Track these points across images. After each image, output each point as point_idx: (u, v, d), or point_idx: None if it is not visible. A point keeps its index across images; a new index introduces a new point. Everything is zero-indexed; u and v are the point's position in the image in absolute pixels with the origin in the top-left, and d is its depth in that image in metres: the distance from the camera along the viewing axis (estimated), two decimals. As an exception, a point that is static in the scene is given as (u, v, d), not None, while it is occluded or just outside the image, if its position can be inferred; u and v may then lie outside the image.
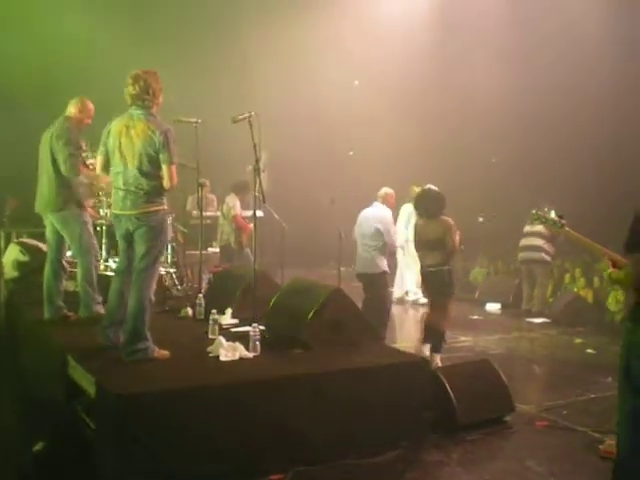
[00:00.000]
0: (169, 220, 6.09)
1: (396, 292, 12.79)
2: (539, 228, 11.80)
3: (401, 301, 12.88)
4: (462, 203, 13.24)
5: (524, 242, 12.44)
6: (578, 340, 10.15)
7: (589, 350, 9.48)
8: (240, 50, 13.82)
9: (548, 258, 12.25)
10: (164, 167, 5.46)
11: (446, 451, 5.57)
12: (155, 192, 5.55)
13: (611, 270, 4.68)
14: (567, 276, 13.28)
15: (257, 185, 6.45)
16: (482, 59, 14.59)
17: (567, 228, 5.02)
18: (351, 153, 13.54)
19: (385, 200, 8.87)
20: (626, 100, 12.24)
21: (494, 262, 15.70)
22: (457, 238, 7.81)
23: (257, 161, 6.26)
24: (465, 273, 15.74)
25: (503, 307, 13.00)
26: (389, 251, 8.76)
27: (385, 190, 8.97)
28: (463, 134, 14.99)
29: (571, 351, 9.59)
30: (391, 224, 8.72)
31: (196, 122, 7.62)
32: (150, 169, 5.49)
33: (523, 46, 14.09)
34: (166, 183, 5.51)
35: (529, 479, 5.13)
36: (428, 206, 7.97)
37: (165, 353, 5.60)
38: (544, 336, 10.62)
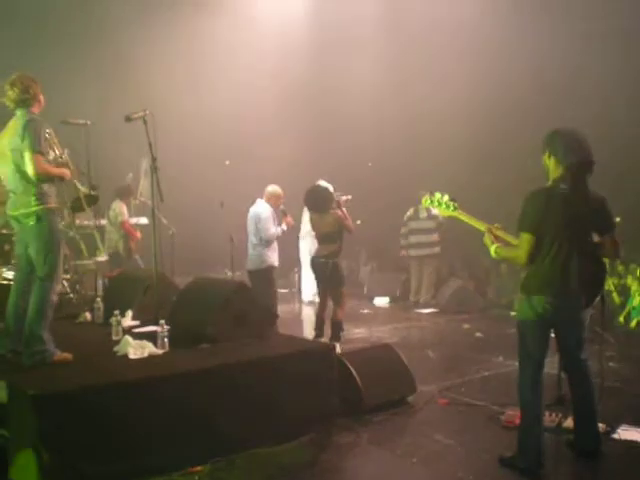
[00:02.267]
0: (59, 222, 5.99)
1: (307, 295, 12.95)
2: (428, 224, 12.27)
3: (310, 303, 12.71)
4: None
5: (416, 239, 12.83)
6: (466, 326, 10.57)
7: (477, 334, 9.90)
8: (126, 51, 13.64)
9: (439, 251, 12.72)
10: (26, 155, 5.30)
11: (356, 432, 5.74)
12: (35, 190, 5.42)
13: (496, 246, 5.00)
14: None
15: (154, 183, 6.43)
16: (358, 60, 14.88)
17: (459, 210, 5.30)
18: (227, 162, 13.55)
19: (268, 198, 8.94)
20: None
21: (377, 259, 16.07)
22: (348, 223, 8.06)
23: (154, 159, 6.26)
24: (351, 271, 16.07)
25: (391, 301, 13.37)
26: (269, 245, 8.81)
27: (270, 188, 9.03)
28: (342, 134, 15.22)
29: (461, 336, 9.98)
30: (266, 219, 8.74)
31: (85, 124, 7.52)
32: (21, 165, 5.38)
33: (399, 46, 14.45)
34: (30, 171, 5.32)
35: (440, 450, 5.36)
36: (318, 201, 8.13)
37: (67, 356, 5.47)
38: (434, 324, 11.01)
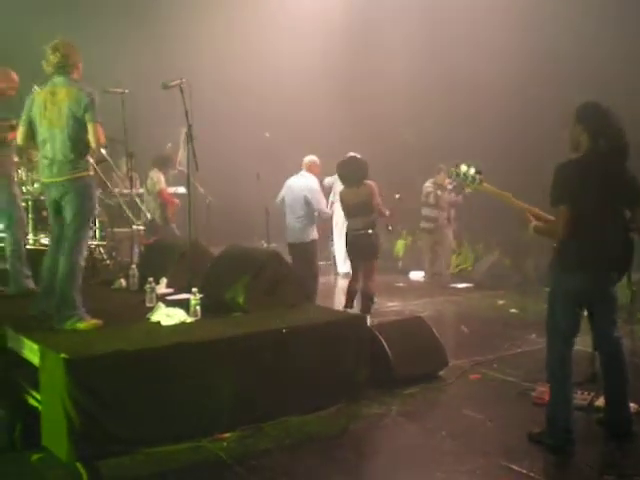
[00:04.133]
0: (97, 190, 6.06)
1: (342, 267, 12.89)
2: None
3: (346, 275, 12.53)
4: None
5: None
6: (501, 301, 10.49)
7: (512, 310, 9.83)
8: (164, 19, 13.65)
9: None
10: (90, 126, 5.44)
11: (386, 404, 5.74)
12: (81, 158, 5.56)
13: (535, 223, 4.93)
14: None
15: (190, 152, 6.44)
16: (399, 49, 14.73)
17: (485, 184, 5.21)
18: (267, 134, 13.50)
19: (310, 169, 8.86)
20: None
21: (413, 233, 16.01)
22: (380, 202, 7.98)
23: (189, 127, 6.27)
24: (388, 245, 16.03)
25: (426, 275, 13.29)
26: (322, 218, 8.80)
27: (309, 158, 8.95)
28: (374, 108, 15.11)
29: (495, 311, 9.92)
30: (318, 192, 8.74)
31: (123, 92, 7.55)
32: (77, 133, 5.48)
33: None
34: (93, 141, 5.47)
35: (468, 424, 5.34)
36: (352, 173, 8.06)
37: (98, 322, 5.54)
38: (468, 299, 10.94)
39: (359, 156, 8.22)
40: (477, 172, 5.21)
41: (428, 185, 12.30)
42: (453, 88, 13.85)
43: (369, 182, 8.02)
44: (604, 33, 11.33)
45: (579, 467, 4.69)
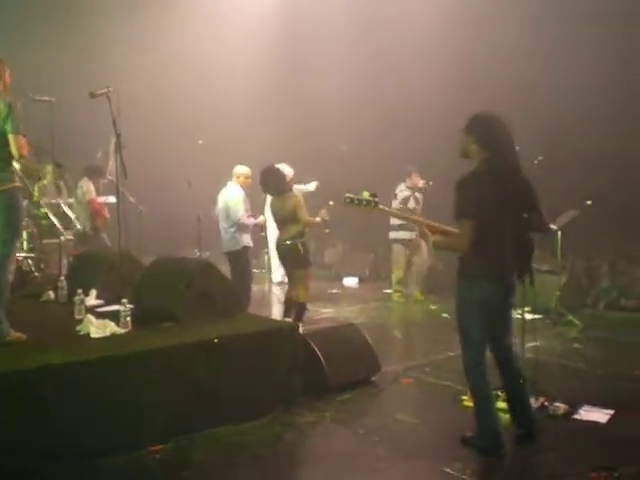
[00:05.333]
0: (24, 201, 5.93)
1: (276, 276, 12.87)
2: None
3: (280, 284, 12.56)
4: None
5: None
6: (434, 306, 10.61)
7: (444, 315, 9.94)
8: (93, 28, 13.46)
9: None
10: (11, 137, 5.28)
11: (319, 411, 5.74)
12: (4, 170, 5.39)
13: (434, 238, 4.99)
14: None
15: (118, 161, 6.36)
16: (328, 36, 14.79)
17: (381, 206, 5.22)
18: (200, 142, 13.41)
19: (237, 178, 8.90)
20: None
21: (347, 239, 16.08)
22: (305, 212, 7.99)
23: (118, 136, 6.19)
24: (320, 252, 16.10)
25: (360, 281, 13.39)
26: (242, 228, 8.77)
27: (237, 169, 8.98)
28: (316, 115, 15.15)
29: (428, 316, 10.05)
30: (237, 202, 8.71)
31: (49, 100, 7.42)
32: None
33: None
34: (15, 152, 5.31)
35: (402, 430, 5.39)
36: (275, 183, 8.02)
37: (21, 336, 5.40)
38: (401, 305, 11.04)
39: (279, 166, 8.18)
40: (371, 195, 5.20)
41: (403, 189, 11.20)
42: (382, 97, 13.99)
43: (294, 193, 8.02)
44: (524, 39, 11.61)
45: (512, 469, 4.78)
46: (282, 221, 7.99)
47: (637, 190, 11.09)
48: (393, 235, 11.30)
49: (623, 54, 10.76)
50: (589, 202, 11.72)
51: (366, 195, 5.17)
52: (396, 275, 11.47)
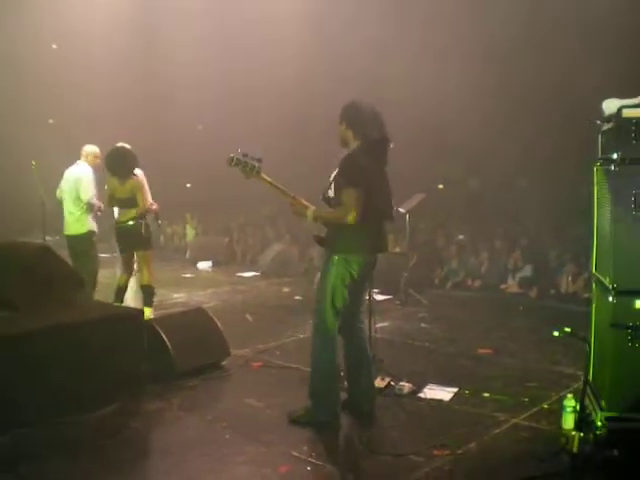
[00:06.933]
0: None
1: None
2: None
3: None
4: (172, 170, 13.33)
5: None
6: (286, 289, 10.67)
7: (297, 297, 10.00)
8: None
9: None
10: None
11: (167, 398, 5.65)
12: None
13: (315, 208, 5.03)
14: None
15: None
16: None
17: (262, 174, 5.16)
18: (51, 121, 12.90)
19: (86, 158, 8.57)
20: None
21: (202, 223, 15.96)
22: (149, 197, 7.79)
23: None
24: (177, 237, 15.96)
25: (214, 265, 13.30)
26: (91, 208, 8.46)
27: (87, 148, 8.63)
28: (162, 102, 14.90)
29: (280, 299, 10.09)
30: (88, 181, 8.39)
31: None
32: None
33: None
34: None
35: (250, 414, 5.37)
36: (120, 164, 7.77)
37: None
38: (254, 288, 11.05)
39: (127, 147, 7.92)
40: (258, 160, 5.11)
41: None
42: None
43: (137, 175, 7.80)
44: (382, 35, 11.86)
45: (355, 448, 4.83)
46: (122, 203, 7.76)
47: (489, 176, 11.55)
48: None
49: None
50: (441, 186, 12.11)
51: (254, 158, 5.08)
52: None
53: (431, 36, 11.45)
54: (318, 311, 5.02)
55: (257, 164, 5.08)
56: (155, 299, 7.94)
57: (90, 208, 8.36)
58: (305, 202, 5.11)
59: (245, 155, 5.08)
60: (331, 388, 5.03)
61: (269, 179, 5.10)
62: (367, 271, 5.08)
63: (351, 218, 4.78)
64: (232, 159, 5.07)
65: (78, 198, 8.29)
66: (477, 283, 10.89)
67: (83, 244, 8.34)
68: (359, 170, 4.82)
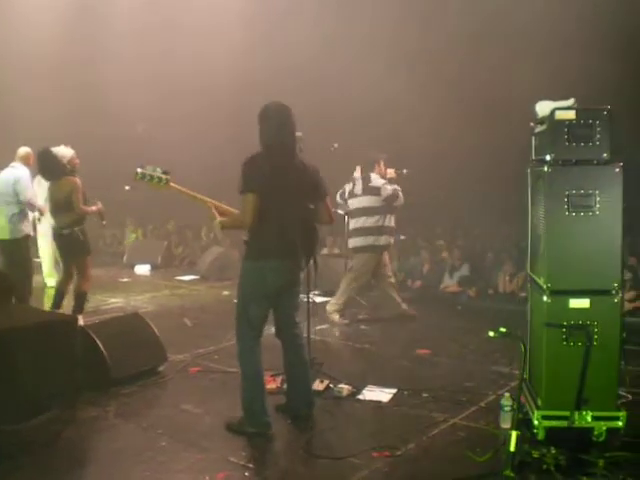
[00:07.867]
0: None
1: None
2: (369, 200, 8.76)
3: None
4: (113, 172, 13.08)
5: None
6: (226, 292, 10.58)
7: (236, 300, 9.89)
8: None
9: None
10: None
11: (102, 406, 5.54)
12: None
13: (220, 219, 4.99)
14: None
15: None
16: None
17: (172, 184, 5.13)
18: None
19: (25, 160, 8.47)
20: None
21: (142, 226, 15.78)
22: (81, 199, 7.64)
23: None
24: (117, 241, 15.75)
25: (153, 268, 13.14)
26: (31, 208, 8.30)
27: (24, 149, 8.55)
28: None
29: (220, 302, 10.00)
30: (27, 182, 8.30)
31: None
32: None
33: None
34: None
35: (187, 420, 5.29)
36: (50, 167, 7.62)
37: None
38: (193, 291, 10.94)
39: (56, 149, 7.76)
40: (164, 172, 5.09)
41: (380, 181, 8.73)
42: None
43: (71, 178, 7.64)
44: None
45: (294, 452, 4.78)
46: (57, 207, 7.61)
47: (437, 178, 11.62)
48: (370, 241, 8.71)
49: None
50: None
51: (159, 171, 5.03)
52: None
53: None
54: (236, 318, 5.01)
55: (164, 176, 5.04)
56: (91, 305, 7.81)
57: (31, 209, 8.25)
58: (226, 207, 5.08)
59: (154, 169, 5.03)
60: (254, 396, 4.98)
61: (182, 188, 5.08)
62: (289, 276, 5.00)
63: (247, 223, 4.78)
64: (137, 174, 5.02)
65: (15, 200, 8.12)
66: (417, 283, 10.97)
67: (19, 248, 8.15)
68: (253, 175, 4.77)
